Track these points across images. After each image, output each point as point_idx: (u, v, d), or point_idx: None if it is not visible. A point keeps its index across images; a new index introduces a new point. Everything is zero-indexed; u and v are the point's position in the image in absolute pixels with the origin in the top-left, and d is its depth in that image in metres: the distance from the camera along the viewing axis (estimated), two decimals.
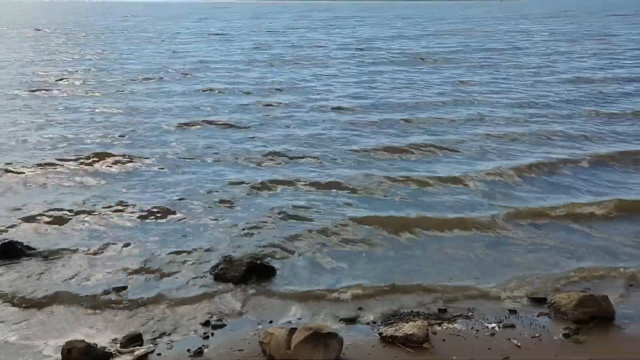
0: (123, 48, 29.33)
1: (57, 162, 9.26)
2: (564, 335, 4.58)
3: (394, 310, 5.00)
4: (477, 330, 4.67)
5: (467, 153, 9.88)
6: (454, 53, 26.18)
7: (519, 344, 4.47)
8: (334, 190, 7.92)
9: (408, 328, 4.52)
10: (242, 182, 8.22)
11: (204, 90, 16.36)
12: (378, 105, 14.04)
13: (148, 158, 9.52)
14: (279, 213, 7.05)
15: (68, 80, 18.25)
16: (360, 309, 5.04)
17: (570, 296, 4.92)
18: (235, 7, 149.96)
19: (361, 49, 28.76)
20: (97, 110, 13.61)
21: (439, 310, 5.04)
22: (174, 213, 7.15)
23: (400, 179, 8.33)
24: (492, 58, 24.10)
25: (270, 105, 14.17)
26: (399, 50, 28.26)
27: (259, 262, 5.53)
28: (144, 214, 7.12)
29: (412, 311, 4.98)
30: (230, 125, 11.95)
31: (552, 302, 5.01)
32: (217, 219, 6.91)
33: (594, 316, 4.73)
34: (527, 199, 7.66)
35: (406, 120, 12.24)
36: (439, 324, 4.77)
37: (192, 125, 11.96)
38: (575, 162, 9.17)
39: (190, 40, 34.84)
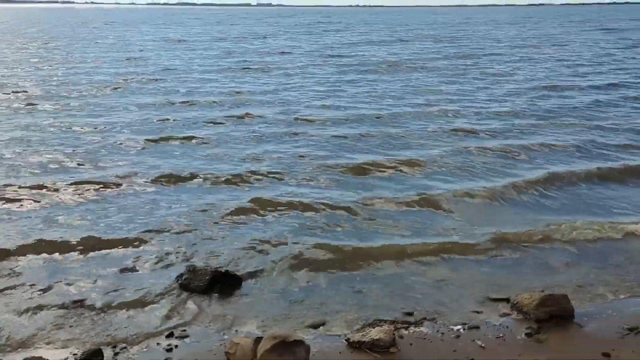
0: (81, 56, 28.00)
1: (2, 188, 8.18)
2: (526, 334, 4.66)
3: (360, 316, 5.00)
4: (442, 333, 4.71)
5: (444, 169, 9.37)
6: (421, 60, 26.27)
7: (483, 345, 4.53)
8: (304, 207, 7.53)
9: (375, 333, 4.53)
10: (212, 202, 7.72)
11: (171, 102, 15.31)
12: (349, 117, 13.40)
13: (111, 181, 8.55)
14: (245, 224, 6.98)
15: (17, 94, 16.30)
16: (327, 315, 5.03)
17: (532, 296, 5.02)
18: (200, 12, 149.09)
19: (330, 56, 28.68)
20: (50, 127, 12.15)
21: (405, 314, 5.07)
22: (141, 226, 7.01)
23: (377, 199, 7.84)
24: (458, 65, 24.06)
25: (239, 117, 13.35)
26: (367, 57, 28.22)
27: (224, 271, 5.46)
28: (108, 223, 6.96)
29: (379, 315, 5.00)
30: (202, 142, 11.05)
31: (515, 302, 5.10)
32: (183, 231, 6.78)
33: (554, 315, 4.84)
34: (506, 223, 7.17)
35: (388, 135, 11.59)
36: (406, 328, 4.80)
37: (160, 142, 11.07)
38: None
39: (153, 48, 33.91)
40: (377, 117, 13.47)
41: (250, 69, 23.22)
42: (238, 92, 17.14)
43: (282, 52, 30.75)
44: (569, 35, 45.48)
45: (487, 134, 11.81)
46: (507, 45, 35.14)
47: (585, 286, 5.54)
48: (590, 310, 5.03)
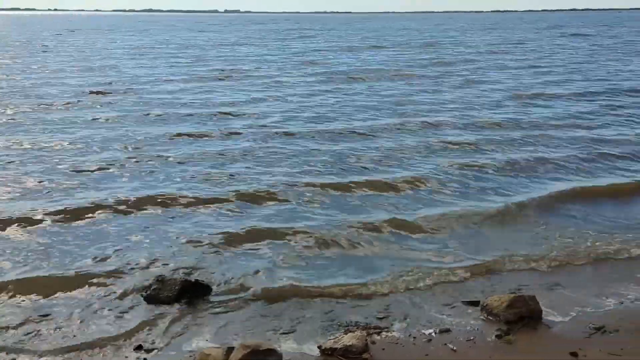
0: (42, 66, 26.29)
1: None
2: (496, 336, 4.72)
3: (332, 323, 4.99)
4: (414, 337, 4.73)
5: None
6: (397, 68, 25.57)
7: (454, 348, 4.56)
8: (279, 222, 7.36)
9: (347, 339, 4.52)
10: (185, 219, 7.49)
11: (144, 115, 14.18)
12: (323, 131, 12.46)
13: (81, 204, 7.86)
14: (214, 234, 6.87)
15: None
16: (299, 322, 5.01)
17: (501, 298, 5.09)
18: (167, 19, 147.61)
19: (304, 63, 28.17)
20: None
21: (378, 319, 5.08)
22: (107, 235, 6.87)
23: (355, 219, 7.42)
24: (436, 74, 23.40)
25: (215, 132, 12.28)
26: (343, 64, 27.57)
27: (193, 280, 5.39)
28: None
29: (351, 321, 5.00)
30: (178, 162, 10.09)
31: (485, 304, 5.15)
32: (151, 242, 6.65)
33: (523, 316, 4.91)
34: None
35: (372, 151, 10.76)
36: (378, 333, 4.80)
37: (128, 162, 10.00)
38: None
39: (120, 56, 32.67)
40: (356, 132, 12.36)
41: (224, 78, 22.33)
42: (212, 104, 16.16)
43: (255, 60, 30.26)
44: (541, 40, 46.40)
45: (472, 148, 11.11)
46: (483, 52, 35.31)
47: (553, 287, 5.64)
48: (558, 311, 5.11)
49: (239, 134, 12.37)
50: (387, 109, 15.37)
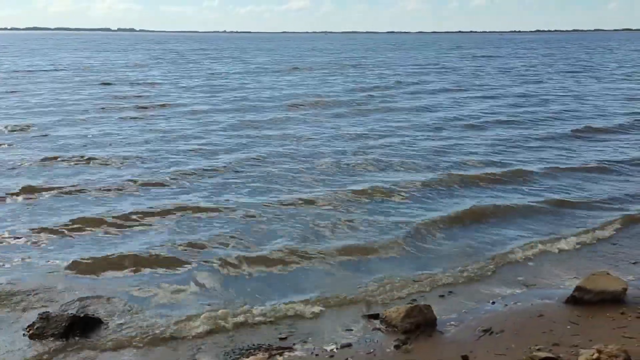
0: None
1: None
2: (395, 347, 4.85)
3: (235, 347, 4.89)
4: (316, 355, 4.75)
5: None
6: (323, 95, 23.25)
7: None
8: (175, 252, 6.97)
9: None
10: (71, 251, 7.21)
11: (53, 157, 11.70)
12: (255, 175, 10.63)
13: None
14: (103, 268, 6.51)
15: None
16: (199, 349, 4.86)
17: (399, 309, 5.25)
18: (55, 37, 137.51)
19: (214, 88, 25.87)
20: None
21: (279, 339, 5.05)
22: None
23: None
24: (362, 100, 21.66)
25: (133, 181, 10.02)
26: (262, 91, 24.76)
27: (82, 315, 5.05)
28: None
29: (254, 344, 4.93)
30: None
31: (384, 316, 5.29)
32: (34, 282, 6.10)
33: (419, 325, 5.09)
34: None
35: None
36: (280, 354, 4.77)
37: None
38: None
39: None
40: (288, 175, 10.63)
41: (126, 107, 19.30)
42: (106, 143, 13.30)
43: (158, 84, 27.23)
44: (450, 61, 48.48)
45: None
46: (402, 74, 34.47)
47: (445, 296, 5.91)
48: (451, 317, 5.36)
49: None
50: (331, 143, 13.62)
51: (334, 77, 32.03)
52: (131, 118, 17.19)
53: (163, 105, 19.74)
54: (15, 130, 14.63)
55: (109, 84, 26.89)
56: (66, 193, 9.33)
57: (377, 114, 18.38)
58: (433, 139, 14.17)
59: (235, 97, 22.40)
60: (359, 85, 27.32)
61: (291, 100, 21.18)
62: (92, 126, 15.56)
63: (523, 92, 24.52)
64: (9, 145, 12.98)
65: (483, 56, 57.41)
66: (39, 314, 5.11)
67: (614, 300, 5.48)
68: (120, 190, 9.58)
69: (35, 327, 4.91)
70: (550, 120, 17.37)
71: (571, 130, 15.28)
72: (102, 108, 18.93)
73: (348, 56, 58.96)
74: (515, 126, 16.21)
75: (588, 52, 63.61)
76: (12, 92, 23.15)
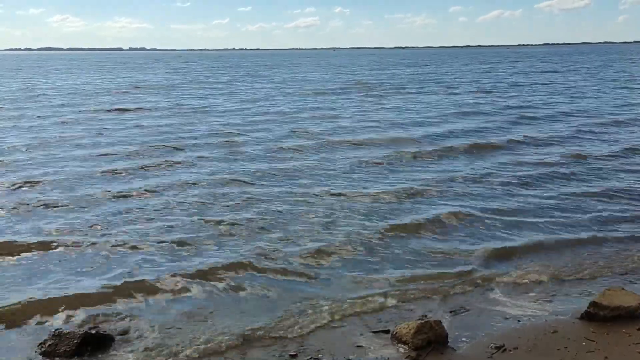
0: None
1: None
2: None
3: None
4: None
5: None
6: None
7: None
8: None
9: None
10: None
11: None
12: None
13: None
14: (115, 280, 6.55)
15: None
16: None
17: (409, 325, 5.21)
18: (69, 57, 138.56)
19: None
20: None
21: (290, 356, 5.02)
22: None
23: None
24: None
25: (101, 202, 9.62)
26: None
27: (94, 332, 5.06)
28: None
29: None
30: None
31: (394, 332, 5.25)
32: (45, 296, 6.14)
33: (430, 341, 5.04)
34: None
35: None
36: None
37: None
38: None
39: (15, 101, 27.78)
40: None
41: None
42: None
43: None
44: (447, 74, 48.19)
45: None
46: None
47: (456, 311, 5.85)
48: (462, 334, 5.31)
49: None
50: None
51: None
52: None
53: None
54: None
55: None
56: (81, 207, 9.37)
57: None
58: None
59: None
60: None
61: None
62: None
63: None
64: None
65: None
66: (50, 331, 5.13)
67: (630, 316, 5.41)
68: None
69: (47, 344, 4.92)
70: None
71: None
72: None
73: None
74: None
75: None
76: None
